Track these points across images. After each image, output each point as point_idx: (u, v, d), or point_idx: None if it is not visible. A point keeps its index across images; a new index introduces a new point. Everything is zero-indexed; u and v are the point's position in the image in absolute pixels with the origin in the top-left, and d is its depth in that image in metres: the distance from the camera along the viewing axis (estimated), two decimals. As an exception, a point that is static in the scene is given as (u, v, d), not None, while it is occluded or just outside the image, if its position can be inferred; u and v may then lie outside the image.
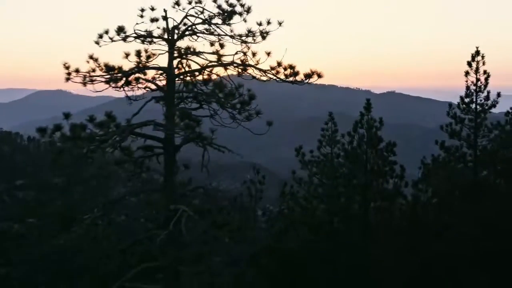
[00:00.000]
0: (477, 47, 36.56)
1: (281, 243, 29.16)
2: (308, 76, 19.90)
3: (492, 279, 31.92)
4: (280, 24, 20.08)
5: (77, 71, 20.02)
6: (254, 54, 19.77)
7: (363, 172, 31.23)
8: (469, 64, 36.47)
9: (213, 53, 20.45)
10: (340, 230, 31.65)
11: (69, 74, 19.61)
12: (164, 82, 20.86)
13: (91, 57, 19.65)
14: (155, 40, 20.84)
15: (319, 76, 19.94)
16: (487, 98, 36.65)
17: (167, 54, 20.67)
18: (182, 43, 20.58)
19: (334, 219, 32.22)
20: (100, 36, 20.35)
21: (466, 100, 36.60)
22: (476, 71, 36.47)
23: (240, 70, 20.61)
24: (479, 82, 36.40)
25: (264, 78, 20.59)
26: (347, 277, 30.37)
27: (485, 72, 36.54)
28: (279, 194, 33.94)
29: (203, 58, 20.52)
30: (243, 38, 20.50)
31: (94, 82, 19.61)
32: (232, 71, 20.53)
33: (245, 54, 20.03)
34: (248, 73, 20.59)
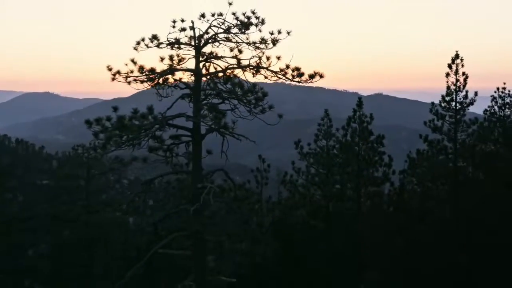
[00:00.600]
0: (456, 51, 40.79)
1: (286, 220, 33.22)
2: (311, 76, 24.01)
3: (468, 257, 36.24)
4: (288, 33, 24.19)
5: (118, 72, 24.03)
6: (268, 58, 23.81)
7: (355, 161, 35.39)
8: (450, 66, 40.67)
9: (232, 57, 24.52)
10: (335, 213, 35.78)
11: (114, 74, 23.56)
12: (188, 81, 24.84)
13: (132, 60, 23.63)
14: (182, 46, 24.81)
15: (321, 76, 24.08)
16: (465, 97, 40.82)
17: (193, 58, 24.66)
18: (206, 49, 24.59)
19: (330, 203, 36.30)
20: (138, 43, 24.34)
21: (447, 98, 40.77)
22: (456, 72, 40.68)
23: (254, 72, 24.64)
24: (458, 83, 40.60)
25: (274, 79, 24.69)
26: (341, 253, 34.56)
27: (463, 73, 40.77)
28: (271, 191, 37.88)
29: (224, 62, 24.55)
30: (257, 44, 24.54)
31: (135, 82, 23.54)
32: (248, 72, 24.54)
33: (260, 58, 24.05)
34: (261, 74, 24.66)
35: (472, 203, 40.06)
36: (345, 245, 35.39)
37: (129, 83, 23.42)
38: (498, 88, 47.64)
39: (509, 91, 47.56)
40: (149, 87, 25.14)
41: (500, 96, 47.67)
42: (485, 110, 47.72)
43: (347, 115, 38.65)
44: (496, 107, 47.63)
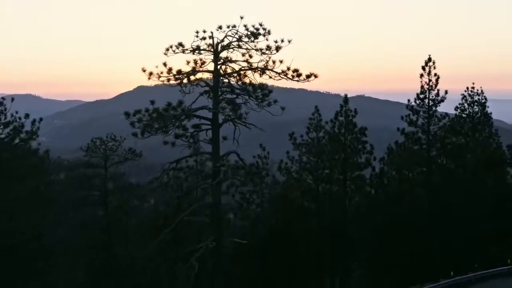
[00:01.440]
0: (429, 55, 46.93)
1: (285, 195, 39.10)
2: (308, 76, 29.94)
3: (439, 232, 42.42)
4: (289, 41, 30.05)
5: (151, 73, 29.76)
6: (273, 62, 29.64)
7: (342, 149, 41.31)
8: (423, 68, 46.79)
9: (244, 61, 30.33)
10: (324, 194, 41.71)
11: (150, 74, 29.28)
12: (208, 80, 30.62)
13: (165, 65, 29.35)
14: (202, 52, 30.58)
15: (315, 76, 29.99)
16: (437, 94, 46.93)
17: (212, 61, 30.42)
18: (223, 54, 30.36)
19: (319, 186, 42.18)
20: (167, 49, 30.07)
21: (421, 96, 46.85)
22: (429, 74, 46.78)
23: (261, 73, 30.46)
24: (431, 82, 46.70)
25: (278, 78, 30.54)
26: (329, 228, 40.49)
27: (435, 74, 46.87)
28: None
29: (237, 64, 30.36)
30: (264, 51, 30.37)
31: (167, 81, 29.26)
32: (256, 73, 30.35)
33: (266, 62, 29.86)
34: (267, 74, 30.50)
35: (443, 187, 46.45)
36: (333, 221, 41.33)
37: (163, 82, 29.03)
38: (467, 88, 53.45)
39: (477, 90, 53.39)
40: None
41: (469, 95, 53.37)
42: (456, 107, 53.60)
43: (329, 116, 44.44)
44: (466, 104, 53.37)
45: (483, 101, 53.40)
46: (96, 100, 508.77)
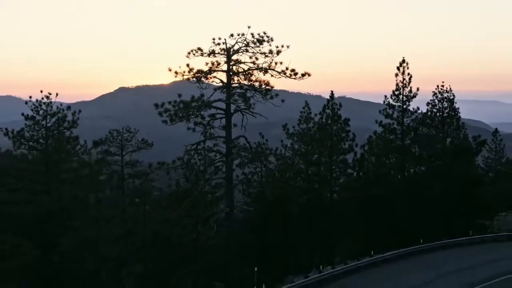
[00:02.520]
0: (403, 57, 54.53)
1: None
2: (303, 75, 37.23)
3: (411, 209, 49.88)
4: (288, 47, 37.31)
5: (176, 72, 36.85)
6: (276, 63, 36.91)
7: (329, 137, 48.67)
8: (398, 68, 54.32)
9: (251, 62, 37.54)
10: (313, 175, 49.03)
11: (176, 73, 36.38)
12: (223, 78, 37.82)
13: (187, 66, 36.45)
14: (217, 55, 37.73)
15: (309, 75, 37.28)
16: (410, 91, 54.50)
17: (225, 63, 37.60)
18: (234, 57, 37.54)
19: (309, 169, 49.49)
20: (188, 53, 37.18)
21: (396, 92, 54.38)
22: (403, 73, 54.32)
23: (265, 72, 37.70)
24: (404, 81, 54.24)
25: (278, 76, 37.78)
26: (317, 204, 47.84)
27: (408, 74, 54.41)
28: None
29: (246, 65, 37.55)
30: (267, 54, 37.59)
31: (189, 79, 36.41)
32: (261, 72, 37.59)
33: (270, 63, 37.11)
34: (269, 73, 37.74)
35: (415, 171, 54.13)
36: (320, 198, 48.73)
37: (188, 79, 36.19)
38: (438, 86, 61.04)
39: (446, 88, 61.01)
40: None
41: (439, 92, 60.95)
42: (428, 103, 61.13)
43: (327, 100, 51.43)
44: (436, 100, 60.91)
45: (451, 97, 61.12)
46: (77, 102, 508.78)
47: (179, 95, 35.77)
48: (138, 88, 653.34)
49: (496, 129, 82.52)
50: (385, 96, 54.49)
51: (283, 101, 37.18)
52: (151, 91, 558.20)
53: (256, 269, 31.56)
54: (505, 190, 67.13)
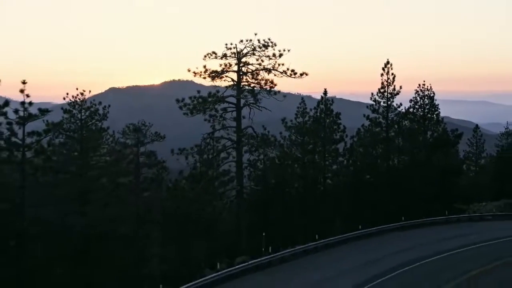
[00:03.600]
0: (387, 59, 61.51)
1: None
2: (301, 74, 44.29)
3: (395, 193, 56.81)
4: (289, 50, 44.32)
5: (195, 73, 43.79)
6: (279, 65, 43.94)
7: (322, 129, 55.67)
8: (383, 69, 61.33)
9: (258, 64, 44.56)
10: (309, 162, 56.01)
11: (194, 73, 43.28)
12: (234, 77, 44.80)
13: (204, 67, 43.41)
14: (229, 58, 44.69)
15: (306, 74, 44.34)
16: (394, 89, 61.54)
17: (236, 64, 44.57)
18: (243, 59, 44.53)
19: (305, 157, 56.43)
20: (204, 56, 44.10)
21: (382, 90, 61.40)
22: (387, 73, 61.34)
23: (269, 72, 44.70)
24: (388, 80, 61.25)
25: (280, 76, 44.79)
26: (312, 188, 54.89)
27: (392, 74, 61.45)
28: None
29: (253, 66, 44.59)
30: (271, 57, 44.61)
31: (205, 78, 43.39)
32: (266, 72, 44.60)
33: (273, 64, 44.15)
34: (273, 73, 44.75)
35: (399, 161, 61.23)
36: (315, 182, 55.74)
37: (205, 78, 43.15)
38: (419, 85, 68.15)
39: (427, 87, 68.13)
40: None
41: (421, 90, 68.05)
42: (410, 100, 68.16)
43: (321, 96, 58.34)
44: (418, 98, 67.99)
45: (431, 95, 68.29)
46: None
47: (198, 91, 42.69)
48: (129, 89, 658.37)
49: (477, 125, 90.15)
50: (372, 94, 61.53)
51: (284, 96, 44.24)
52: (142, 91, 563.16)
53: (264, 234, 38.49)
54: (484, 183, 74.86)
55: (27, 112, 34.13)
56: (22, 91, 32.94)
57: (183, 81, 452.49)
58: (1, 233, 34.85)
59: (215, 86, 44.58)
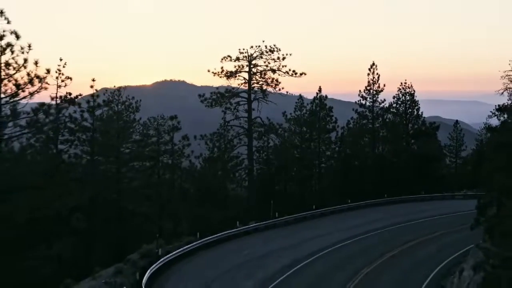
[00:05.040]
0: (373, 61, 71.53)
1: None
2: (301, 74, 54.35)
3: (379, 175, 66.83)
4: (290, 54, 54.38)
5: (214, 73, 53.74)
6: (283, 66, 54.00)
7: (317, 120, 65.73)
8: (369, 69, 71.39)
9: (265, 65, 54.59)
10: (306, 148, 66.06)
11: (214, 74, 53.24)
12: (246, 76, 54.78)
13: (221, 68, 53.39)
14: (241, 60, 54.64)
15: (305, 74, 54.45)
16: (378, 87, 71.59)
17: (247, 66, 54.53)
18: (253, 62, 54.53)
19: (303, 144, 66.45)
20: (221, 59, 54.08)
21: (368, 88, 71.45)
22: (373, 73, 71.38)
23: (274, 72, 54.73)
24: (374, 79, 71.29)
25: (283, 75, 54.87)
26: (309, 168, 64.95)
27: (377, 73, 71.51)
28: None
29: (261, 67, 54.57)
30: (275, 60, 54.65)
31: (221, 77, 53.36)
32: (272, 72, 54.59)
33: (278, 66, 54.16)
34: (277, 73, 54.77)
35: (383, 148, 71.35)
36: (311, 164, 65.80)
37: (223, 77, 53.10)
38: (401, 83, 78.11)
39: (408, 85, 78.16)
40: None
41: (403, 88, 78.05)
42: (394, 96, 78.16)
43: (316, 92, 68.42)
44: (400, 94, 77.97)
45: (412, 92, 78.33)
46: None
47: (217, 88, 52.62)
48: (121, 89, 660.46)
49: (457, 121, 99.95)
50: (360, 91, 71.53)
51: (287, 92, 54.23)
52: (133, 91, 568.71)
53: (272, 201, 48.53)
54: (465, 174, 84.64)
55: (96, 102, 43.98)
56: (91, 86, 42.88)
57: (175, 81, 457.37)
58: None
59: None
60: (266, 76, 54.41)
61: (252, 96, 54.36)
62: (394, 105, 77.18)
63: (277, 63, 54.18)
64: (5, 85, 32.99)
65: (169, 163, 61.86)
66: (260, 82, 54.61)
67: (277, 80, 54.32)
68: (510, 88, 57.70)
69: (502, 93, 56.81)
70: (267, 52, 54.32)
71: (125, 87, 56.87)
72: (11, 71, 32.83)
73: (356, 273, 34.05)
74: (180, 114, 59.20)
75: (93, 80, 43.86)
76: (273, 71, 54.45)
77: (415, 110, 78.60)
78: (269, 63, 54.44)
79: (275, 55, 54.21)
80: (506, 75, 58.39)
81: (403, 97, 78.43)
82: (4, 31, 31.98)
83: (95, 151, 51.29)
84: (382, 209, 58.95)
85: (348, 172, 66.51)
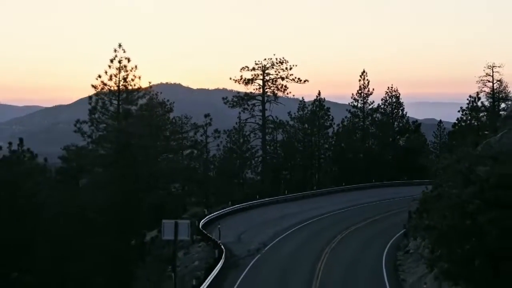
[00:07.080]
0: (364, 69, 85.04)
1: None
2: (304, 81, 68.20)
3: (365, 165, 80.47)
4: (296, 65, 68.15)
5: (235, 80, 67.45)
6: (291, 75, 67.73)
7: (316, 118, 79.31)
8: (360, 76, 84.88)
9: (275, 74, 68.34)
10: (308, 141, 79.64)
11: (235, 81, 66.95)
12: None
13: (241, 76, 67.08)
14: (256, 70, 68.29)
15: (307, 81, 68.39)
16: (368, 90, 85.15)
17: (261, 74, 68.14)
18: (267, 71, 68.17)
19: (305, 138, 79.95)
20: (241, 68, 67.78)
21: (359, 91, 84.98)
22: (364, 79, 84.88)
23: (283, 79, 68.48)
24: (365, 83, 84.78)
25: (290, 82, 68.66)
26: (310, 157, 78.58)
27: (367, 79, 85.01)
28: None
29: (272, 76, 68.25)
30: (284, 69, 68.33)
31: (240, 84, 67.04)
32: (281, 79, 68.32)
33: (286, 74, 67.83)
34: (286, 80, 68.51)
35: (373, 143, 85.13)
36: (312, 154, 79.43)
37: (241, 83, 66.72)
38: (388, 87, 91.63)
39: (395, 88, 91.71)
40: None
41: (390, 91, 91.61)
42: (382, 98, 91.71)
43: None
44: (387, 96, 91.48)
45: (398, 95, 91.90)
46: (55, 106, 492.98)
47: (238, 92, 66.28)
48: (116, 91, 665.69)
49: (440, 120, 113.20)
50: (352, 94, 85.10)
51: (293, 95, 67.99)
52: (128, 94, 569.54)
53: (282, 181, 62.19)
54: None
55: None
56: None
57: (171, 84, 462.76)
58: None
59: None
60: (277, 83, 68.00)
61: (265, 99, 67.84)
62: (382, 106, 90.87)
63: (285, 72, 67.85)
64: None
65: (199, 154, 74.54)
66: (272, 88, 68.12)
67: (285, 86, 68.09)
68: (484, 91, 71.54)
69: (477, 96, 70.43)
70: (277, 63, 67.83)
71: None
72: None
73: (344, 230, 47.55)
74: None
75: (149, 83, 56.41)
76: (282, 78, 68.09)
77: (400, 110, 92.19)
78: (278, 72, 68.01)
79: (283, 65, 67.77)
80: (481, 80, 72.80)
81: (390, 99, 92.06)
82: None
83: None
84: (369, 191, 72.46)
85: (342, 162, 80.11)
